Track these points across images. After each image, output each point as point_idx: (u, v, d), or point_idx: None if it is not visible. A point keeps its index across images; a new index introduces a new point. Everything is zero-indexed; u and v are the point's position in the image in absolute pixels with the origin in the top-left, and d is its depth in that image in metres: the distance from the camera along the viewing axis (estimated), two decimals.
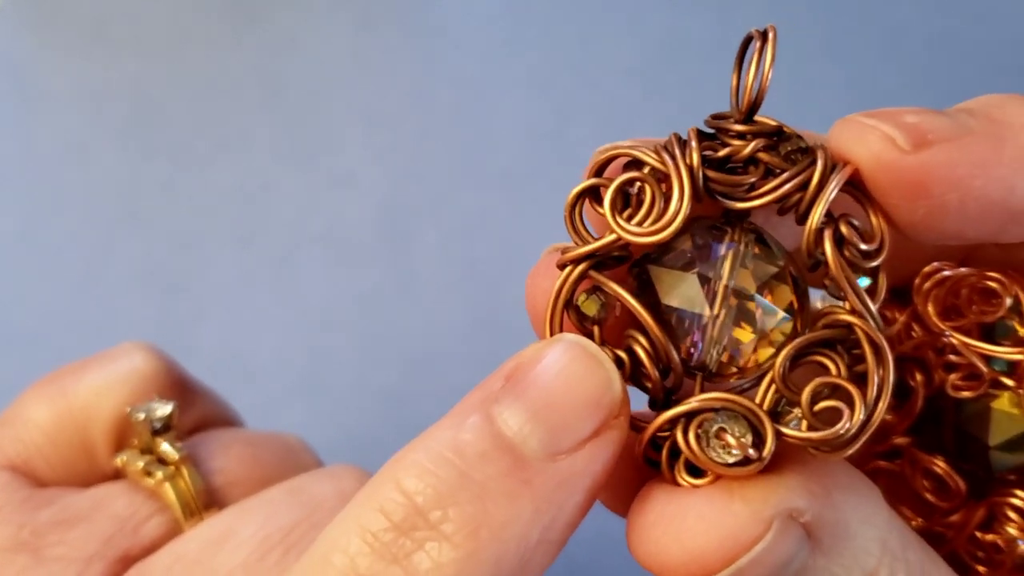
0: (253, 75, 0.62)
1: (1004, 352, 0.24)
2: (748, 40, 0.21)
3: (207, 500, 0.29)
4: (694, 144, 0.21)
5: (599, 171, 0.22)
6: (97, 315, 0.54)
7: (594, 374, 0.20)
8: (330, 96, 0.61)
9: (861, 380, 0.20)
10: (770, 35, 0.20)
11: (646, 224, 0.20)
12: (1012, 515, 0.24)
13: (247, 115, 0.61)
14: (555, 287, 0.21)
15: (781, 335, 0.21)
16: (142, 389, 0.30)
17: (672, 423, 0.20)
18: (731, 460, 0.20)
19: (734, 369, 0.21)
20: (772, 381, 0.20)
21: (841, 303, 0.21)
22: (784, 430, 0.20)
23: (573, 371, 0.20)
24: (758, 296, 0.21)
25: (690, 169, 0.20)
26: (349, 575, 0.19)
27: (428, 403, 0.50)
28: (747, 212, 0.21)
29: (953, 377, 0.24)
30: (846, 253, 0.20)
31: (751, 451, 0.20)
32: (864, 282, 0.21)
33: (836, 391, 0.20)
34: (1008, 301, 0.23)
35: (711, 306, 0.21)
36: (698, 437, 0.20)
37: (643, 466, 0.21)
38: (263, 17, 0.64)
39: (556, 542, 0.20)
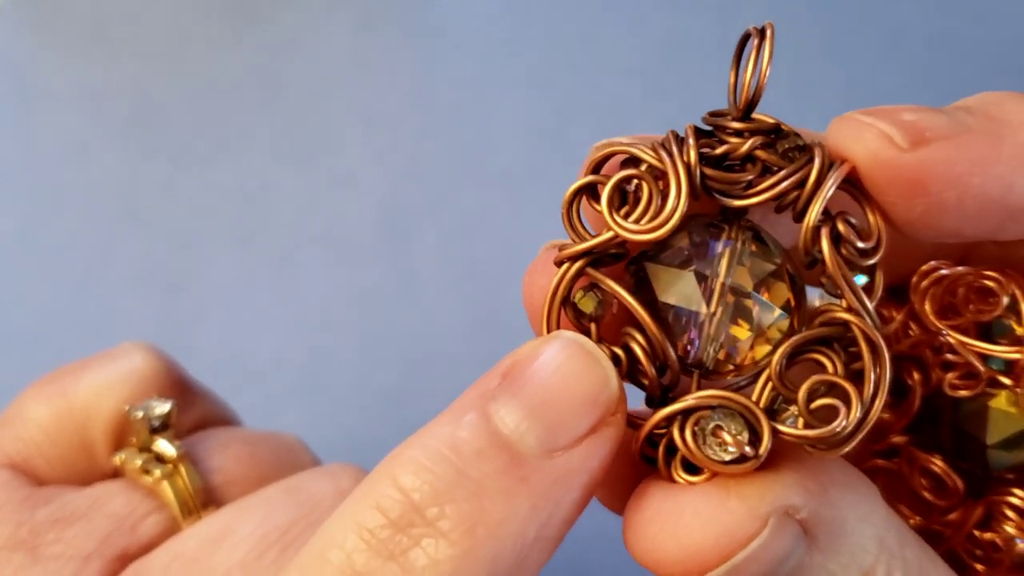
0: (253, 75, 0.62)
1: (1001, 351, 0.24)
2: (746, 37, 0.21)
3: (205, 498, 0.29)
4: (691, 141, 0.21)
5: (596, 168, 0.22)
6: (97, 315, 0.54)
7: (591, 371, 0.20)
8: (330, 96, 0.61)
9: (858, 378, 0.20)
10: (768, 32, 0.20)
11: (643, 221, 0.20)
12: (1010, 513, 0.24)
13: (247, 115, 0.61)
14: (552, 284, 0.21)
15: (778, 333, 0.21)
16: (142, 389, 0.30)
17: (669, 420, 0.20)
18: (727, 457, 0.20)
19: (731, 367, 0.21)
20: (769, 379, 0.20)
21: (838, 301, 0.21)
22: (780, 427, 0.20)
23: (570, 368, 0.20)
24: (755, 294, 0.21)
25: (687, 166, 0.20)
26: (345, 572, 0.19)
27: (428, 403, 0.49)
28: (744, 210, 0.21)
29: (950, 376, 0.24)
30: (843, 251, 0.20)
31: (747, 448, 0.20)
32: (861, 280, 0.21)
33: (833, 389, 0.20)
34: (1005, 300, 0.23)
35: (708, 303, 0.21)
36: (695, 434, 0.20)
37: (640, 463, 0.21)
38: (263, 17, 0.64)
39: (553, 539, 0.20)
